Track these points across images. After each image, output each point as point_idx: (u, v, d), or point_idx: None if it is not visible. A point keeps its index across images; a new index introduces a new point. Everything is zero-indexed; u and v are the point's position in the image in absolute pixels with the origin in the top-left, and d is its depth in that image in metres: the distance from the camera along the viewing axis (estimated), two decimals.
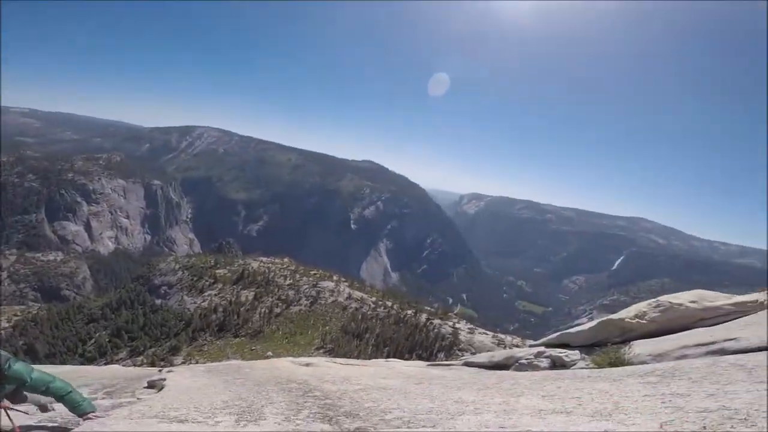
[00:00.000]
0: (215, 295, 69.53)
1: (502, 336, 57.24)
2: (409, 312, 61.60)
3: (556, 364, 6.78)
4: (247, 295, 67.31)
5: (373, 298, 68.84)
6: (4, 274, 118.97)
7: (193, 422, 3.28)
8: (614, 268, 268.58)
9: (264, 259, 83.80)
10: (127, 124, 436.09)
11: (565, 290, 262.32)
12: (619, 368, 4.92)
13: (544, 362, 6.88)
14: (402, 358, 31.88)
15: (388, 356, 39.68)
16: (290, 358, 7.80)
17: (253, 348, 52.79)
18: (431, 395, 4.25)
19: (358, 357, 39.79)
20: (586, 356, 6.58)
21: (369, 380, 5.09)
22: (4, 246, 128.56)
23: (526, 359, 7.11)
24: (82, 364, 18.52)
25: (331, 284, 71.52)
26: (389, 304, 66.09)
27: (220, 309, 63.35)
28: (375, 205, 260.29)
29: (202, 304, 67.36)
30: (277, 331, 58.49)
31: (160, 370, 7.69)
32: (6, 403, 3.58)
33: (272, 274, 74.04)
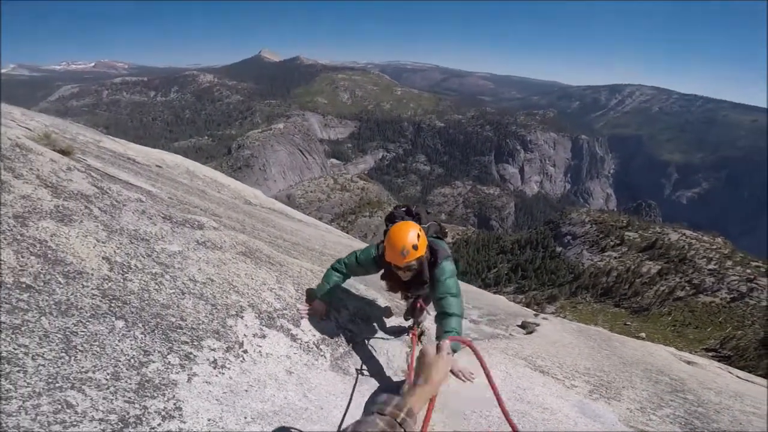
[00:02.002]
0: (615, 257, 65.13)
1: None
2: None
3: None
4: (651, 267, 58.76)
5: None
6: (460, 199, 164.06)
7: (552, 377, 3.39)
8: None
9: (688, 232, 68.44)
10: (561, 84, 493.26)
11: None
12: None
13: None
14: None
15: None
16: (671, 349, 6.72)
17: (627, 323, 46.91)
18: None
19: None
20: None
21: None
22: (465, 178, 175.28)
23: None
24: (479, 287, 23.04)
25: None
26: None
27: (614, 273, 59.34)
28: None
29: (598, 263, 65.30)
30: (668, 315, 48.86)
31: (536, 314, 7.82)
32: (421, 304, 3.32)
33: (692, 251, 60.21)
